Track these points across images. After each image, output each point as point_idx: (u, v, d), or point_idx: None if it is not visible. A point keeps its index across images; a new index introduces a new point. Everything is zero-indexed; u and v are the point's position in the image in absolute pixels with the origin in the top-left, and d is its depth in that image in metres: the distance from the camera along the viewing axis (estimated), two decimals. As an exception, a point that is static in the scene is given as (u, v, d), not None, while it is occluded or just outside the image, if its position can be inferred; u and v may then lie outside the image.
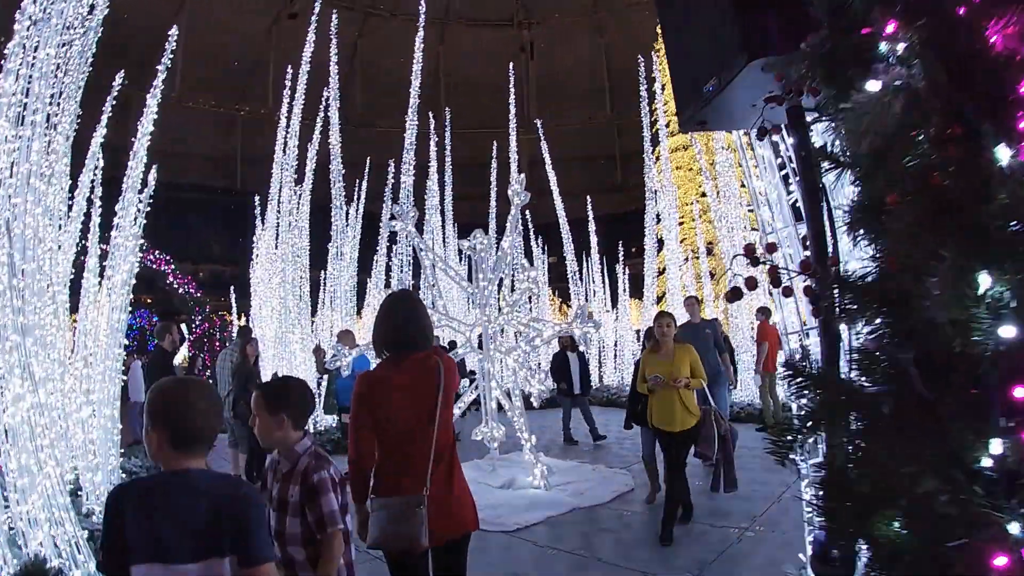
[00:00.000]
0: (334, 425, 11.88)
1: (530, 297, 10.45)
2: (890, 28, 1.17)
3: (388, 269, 14.43)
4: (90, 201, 7.95)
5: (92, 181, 8.01)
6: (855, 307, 1.23)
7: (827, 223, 2.23)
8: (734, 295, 1.52)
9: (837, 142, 1.43)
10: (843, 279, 1.27)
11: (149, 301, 36.19)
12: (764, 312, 13.02)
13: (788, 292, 1.47)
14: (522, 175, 8.69)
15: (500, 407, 9.05)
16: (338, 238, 13.34)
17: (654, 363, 6.36)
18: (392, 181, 15.06)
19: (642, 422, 6.89)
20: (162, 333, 9.60)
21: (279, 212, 13.13)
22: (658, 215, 19.41)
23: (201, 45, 37.32)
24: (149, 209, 7.62)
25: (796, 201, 4.07)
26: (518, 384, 8.78)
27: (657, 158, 20.52)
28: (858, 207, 1.27)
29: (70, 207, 7.39)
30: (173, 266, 18.21)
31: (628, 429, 7.99)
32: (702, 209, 24.88)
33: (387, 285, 14.54)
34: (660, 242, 19.76)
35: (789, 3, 1.96)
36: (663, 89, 23.01)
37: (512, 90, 19.17)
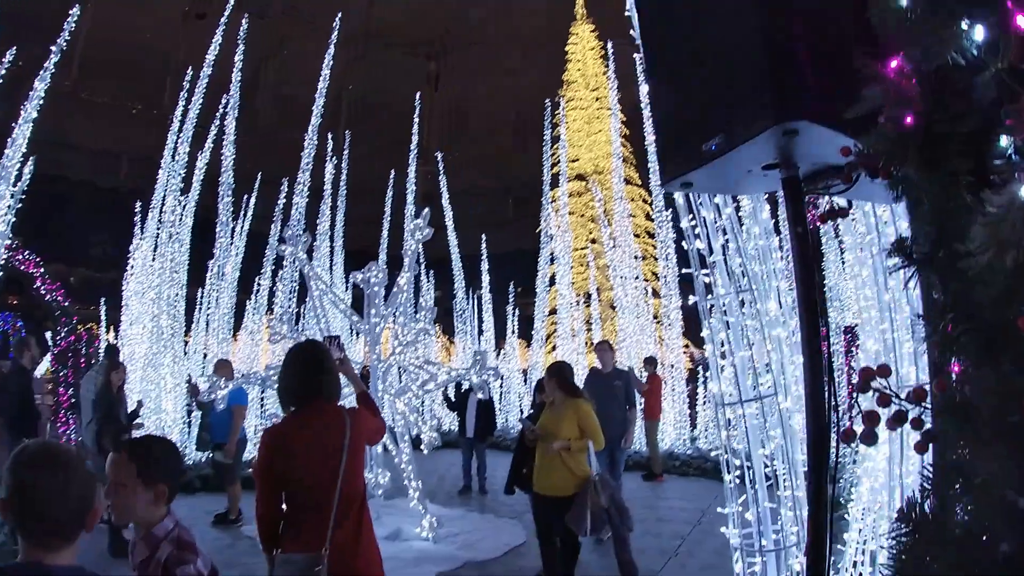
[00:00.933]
0: (203, 461, 10.90)
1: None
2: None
3: (271, 294, 13.53)
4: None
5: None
6: (983, 447, 1.02)
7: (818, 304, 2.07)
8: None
9: (917, 237, 1.25)
10: (965, 411, 1.06)
11: (15, 303, 32.19)
12: (652, 363, 13.27)
13: (899, 422, 1.23)
14: (427, 210, 8.38)
15: (385, 449, 8.56)
16: (221, 255, 12.36)
17: (543, 418, 5.68)
18: (284, 201, 14.27)
19: (528, 487, 5.89)
20: (20, 349, 8.58)
21: (160, 221, 12.11)
22: (552, 256, 19.49)
23: (104, 33, 34.88)
24: (21, 204, 6.72)
25: (740, 265, 4.03)
26: (407, 426, 8.34)
27: (554, 199, 20.76)
28: (963, 325, 1.07)
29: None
30: (42, 269, 16.30)
31: (509, 494, 6.69)
32: (595, 254, 25.40)
33: (269, 310, 13.68)
34: (551, 280, 19.86)
35: (834, 60, 1.78)
36: (564, 132, 23.40)
37: (416, 120, 18.85)
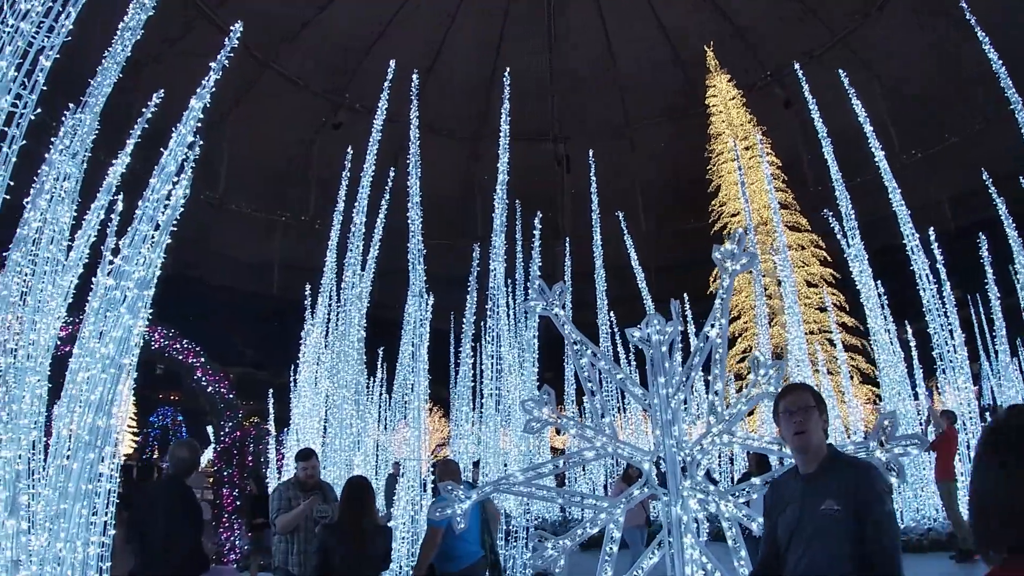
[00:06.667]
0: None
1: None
2: None
3: (480, 375, 11.34)
4: (96, 250, 5.44)
5: (104, 223, 5.57)
6: None
7: None
8: None
9: None
10: None
11: (175, 398, 31.12)
12: (949, 416, 10.77)
13: None
14: (741, 230, 5.54)
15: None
16: (415, 332, 10.05)
17: None
18: (478, 270, 12.24)
19: None
20: (181, 457, 5.95)
21: (337, 303, 10.56)
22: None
23: (246, 149, 36.00)
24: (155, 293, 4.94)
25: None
26: (738, 535, 5.16)
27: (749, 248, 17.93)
28: None
29: (69, 247, 5.24)
30: (203, 359, 14.76)
31: None
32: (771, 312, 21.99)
33: (480, 394, 11.46)
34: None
35: None
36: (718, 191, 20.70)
37: (594, 196, 17.48)
